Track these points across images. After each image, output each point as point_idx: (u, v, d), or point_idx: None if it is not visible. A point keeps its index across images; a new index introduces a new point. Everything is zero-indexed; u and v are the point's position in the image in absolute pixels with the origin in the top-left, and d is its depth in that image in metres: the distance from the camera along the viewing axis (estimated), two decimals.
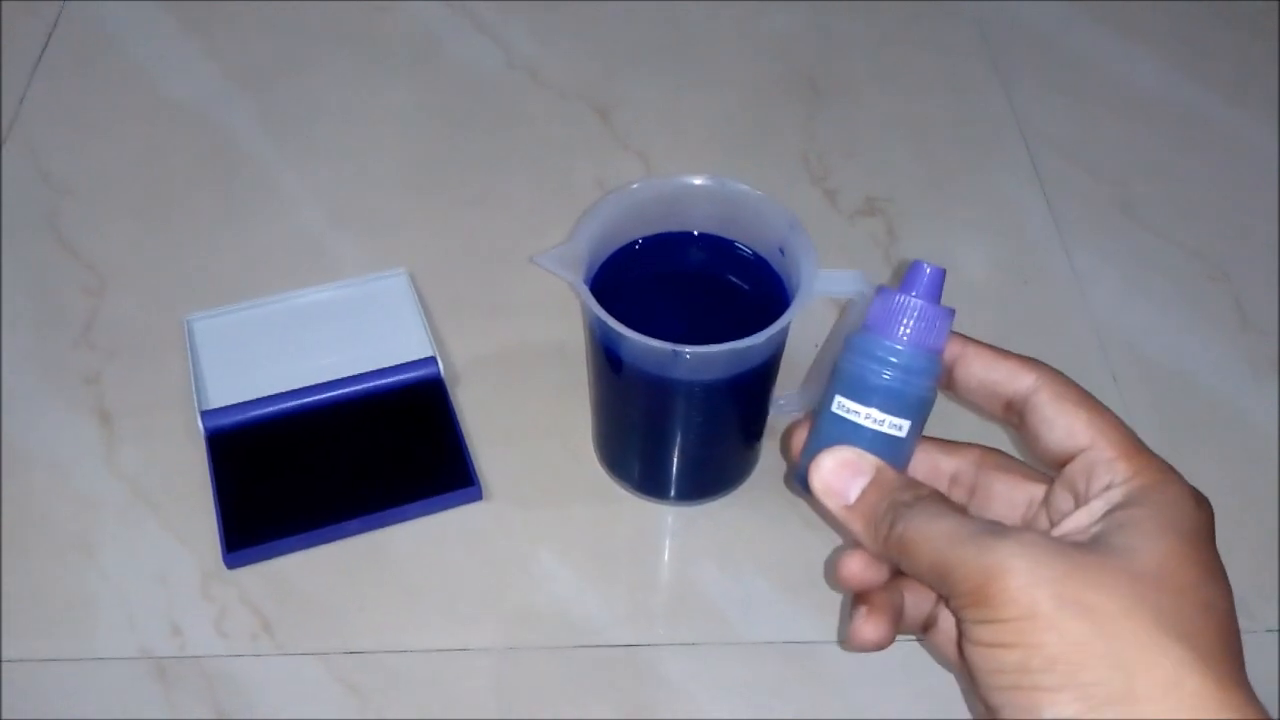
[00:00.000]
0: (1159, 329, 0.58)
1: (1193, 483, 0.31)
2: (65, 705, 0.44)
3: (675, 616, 0.47)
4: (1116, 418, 0.32)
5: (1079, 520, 0.31)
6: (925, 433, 0.35)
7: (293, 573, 0.48)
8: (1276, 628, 0.47)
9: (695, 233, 0.47)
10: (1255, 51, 0.73)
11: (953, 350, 0.34)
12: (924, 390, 0.33)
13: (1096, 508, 0.31)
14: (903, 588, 0.35)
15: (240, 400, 0.51)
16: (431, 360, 0.53)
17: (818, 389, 0.47)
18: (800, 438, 0.35)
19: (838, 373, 0.34)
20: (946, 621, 0.36)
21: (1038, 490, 0.34)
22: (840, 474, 0.33)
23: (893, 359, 0.33)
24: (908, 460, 0.34)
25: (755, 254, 0.47)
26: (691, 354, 0.41)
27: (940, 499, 0.32)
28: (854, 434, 0.33)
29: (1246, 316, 0.59)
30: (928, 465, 0.36)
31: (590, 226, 0.44)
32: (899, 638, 0.35)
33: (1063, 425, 0.32)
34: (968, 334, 0.35)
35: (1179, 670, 0.27)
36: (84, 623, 0.46)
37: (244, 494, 0.49)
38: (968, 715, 0.44)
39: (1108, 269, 0.60)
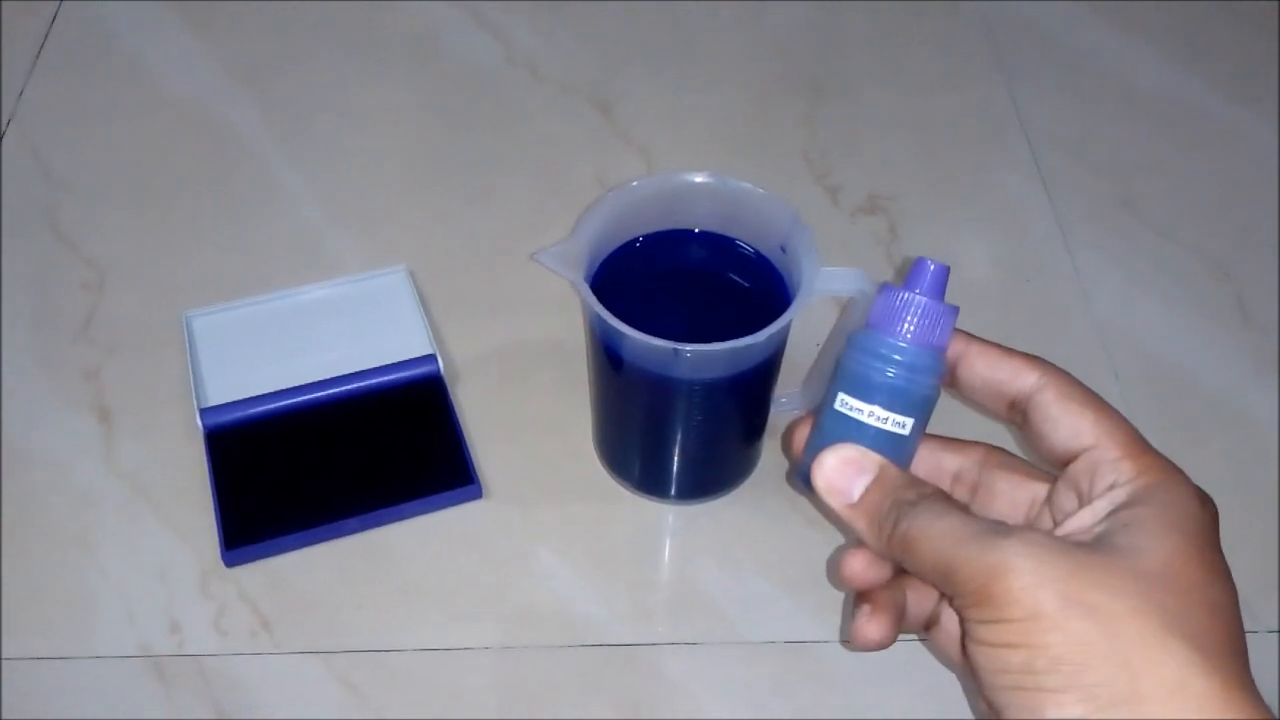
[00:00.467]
0: (1161, 327, 0.58)
1: (1194, 482, 0.31)
2: (64, 702, 0.44)
3: (676, 615, 0.47)
4: (1121, 417, 0.32)
5: (1083, 520, 0.31)
6: (928, 430, 0.35)
7: (291, 571, 0.48)
8: (1278, 628, 0.47)
9: (696, 230, 0.47)
10: (1259, 50, 0.72)
11: (956, 348, 0.34)
12: (927, 388, 0.33)
13: (1100, 507, 0.31)
14: (905, 586, 0.35)
15: (239, 397, 0.51)
16: (431, 358, 0.53)
17: (819, 388, 0.47)
18: (802, 435, 0.35)
19: (841, 370, 0.34)
20: (949, 620, 0.35)
21: (1041, 489, 0.34)
22: (843, 472, 0.32)
23: (896, 356, 0.33)
24: (911, 458, 0.34)
25: (756, 252, 0.46)
26: (692, 352, 0.41)
27: (944, 497, 0.31)
28: (857, 432, 0.33)
29: (1249, 315, 0.58)
30: (930, 463, 0.36)
31: (591, 224, 0.44)
32: (901, 637, 0.35)
33: (1067, 424, 0.32)
34: (969, 332, 0.35)
35: (1185, 671, 0.26)
36: (83, 620, 0.46)
37: (243, 491, 0.49)
38: (970, 715, 0.44)
39: (1110, 267, 0.60)
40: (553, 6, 0.73)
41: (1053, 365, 0.33)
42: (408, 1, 0.73)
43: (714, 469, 0.50)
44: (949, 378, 0.35)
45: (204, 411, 0.51)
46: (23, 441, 0.51)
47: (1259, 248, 0.61)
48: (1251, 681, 0.28)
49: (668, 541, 0.50)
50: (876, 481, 0.32)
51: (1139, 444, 0.31)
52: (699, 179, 0.45)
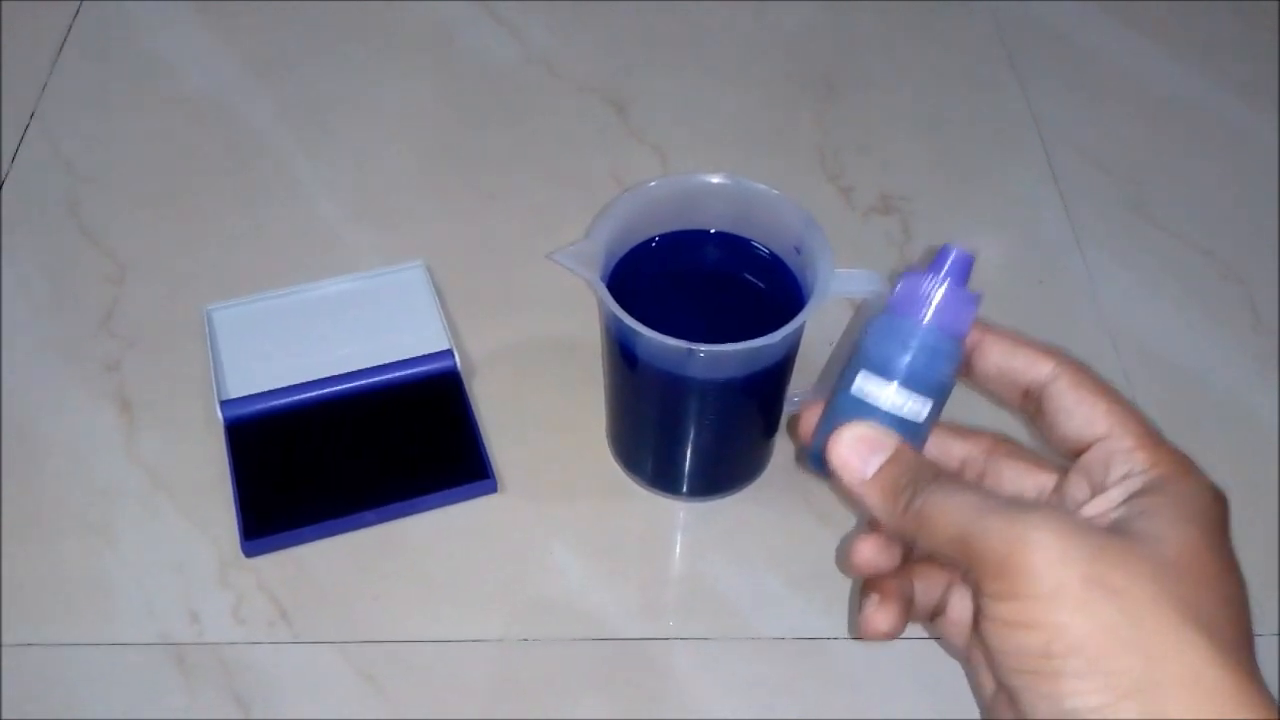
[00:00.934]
0: (1172, 329, 0.58)
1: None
2: (84, 690, 0.45)
3: (687, 611, 0.48)
4: (1135, 408, 0.32)
5: (1097, 507, 0.31)
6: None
7: (309, 561, 0.48)
8: (1278, 631, 0.48)
9: (711, 231, 0.48)
10: (1272, 51, 0.72)
11: (972, 337, 0.34)
12: (944, 375, 0.33)
13: (1115, 495, 0.30)
14: (913, 575, 0.35)
15: (259, 390, 0.52)
16: (448, 353, 0.53)
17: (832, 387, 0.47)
18: (810, 419, 0.35)
19: (859, 354, 0.34)
20: (955, 608, 0.35)
21: (1048, 479, 0.34)
22: (858, 449, 0.32)
23: (915, 342, 0.33)
24: (922, 446, 0.34)
25: (771, 253, 0.47)
26: (706, 352, 0.41)
27: (959, 477, 0.31)
28: (872, 416, 0.33)
29: (1260, 317, 0.59)
30: (938, 449, 0.36)
31: (607, 224, 0.44)
32: (911, 635, 0.35)
33: (1081, 414, 0.32)
34: (985, 321, 0.35)
35: (1201, 663, 0.26)
36: (102, 608, 0.47)
37: (262, 483, 0.50)
38: (978, 713, 0.45)
39: (1121, 268, 0.61)
40: (569, 5, 0.74)
41: (1068, 355, 0.33)
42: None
43: (726, 467, 0.51)
44: (964, 366, 0.35)
45: (224, 404, 0.51)
46: (44, 433, 0.52)
47: (1270, 250, 0.62)
48: (1261, 678, 0.27)
49: (679, 538, 0.51)
50: (892, 459, 0.32)
51: (1153, 435, 0.31)
52: (714, 180, 0.46)
